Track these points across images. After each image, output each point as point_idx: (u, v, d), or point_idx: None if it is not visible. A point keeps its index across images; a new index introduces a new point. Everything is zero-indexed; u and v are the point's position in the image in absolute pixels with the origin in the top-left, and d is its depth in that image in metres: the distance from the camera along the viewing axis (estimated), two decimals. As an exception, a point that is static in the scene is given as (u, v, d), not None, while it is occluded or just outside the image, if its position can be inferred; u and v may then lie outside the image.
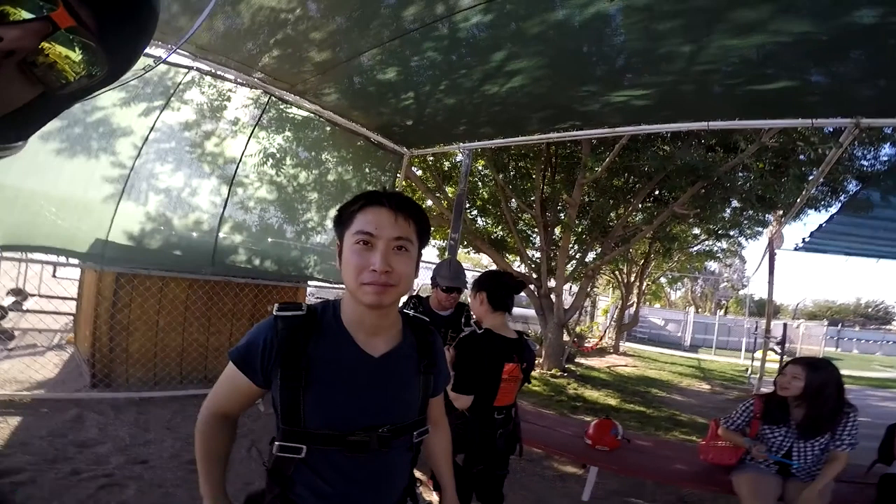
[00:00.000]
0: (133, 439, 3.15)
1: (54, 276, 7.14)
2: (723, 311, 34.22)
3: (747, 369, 11.01)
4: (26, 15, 0.40)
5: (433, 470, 1.32)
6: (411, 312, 1.14)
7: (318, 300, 1.41)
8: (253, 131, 4.41)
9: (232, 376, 1.00)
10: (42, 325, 5.37)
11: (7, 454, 2.71)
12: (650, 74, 2.67)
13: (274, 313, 0.97)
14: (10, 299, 6.34)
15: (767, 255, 7.49)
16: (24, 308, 6.34)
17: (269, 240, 4.94)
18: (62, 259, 4.12)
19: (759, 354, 8.58)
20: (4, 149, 0.50)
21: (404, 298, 2.98)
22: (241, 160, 4.45)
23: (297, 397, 0.93)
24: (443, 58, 2.89)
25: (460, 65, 2.94)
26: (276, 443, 0.96)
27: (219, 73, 3.71)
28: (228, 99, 4.28)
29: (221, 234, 4.49)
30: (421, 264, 1.04)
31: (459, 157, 7.52)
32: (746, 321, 19.06)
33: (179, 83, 3.88)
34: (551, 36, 2.45)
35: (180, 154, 4.19)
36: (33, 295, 6.71)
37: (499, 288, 2.03)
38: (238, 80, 3.79)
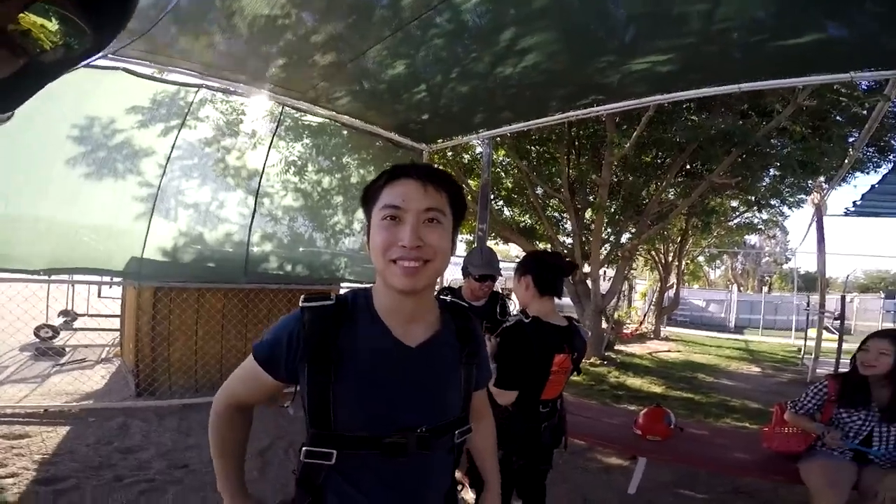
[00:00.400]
0: (175, 444, 3.24)
1: (99, 296, 7.52)
2: (767, 287, 32.71)
3: (799, 350, 10.41)
4: None
5: (477, 464, 1.22)
6: (448, 298, 1.05)
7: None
8: (272, 142, 4.48)
9: (253, 368, 0.93)
10: (90, 342, 5.66)
11: (55, 462, 2.83)
12: (668, 38, 2.51)
13: (301, 304, 0.90)
14: (61, 319, 6.78)
15: (815, 223, 7.09)
16: (74, 327, 6.71)
17: (300, 247, 5.02)
18: (104, 279, 4.31)
19: (812, 333, 8.07)
20: None
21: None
22: (263, 171, 4.53)
23: (327, 394, 0.85)
24: (449, 45, 2.81)
25: (469, 50, 2.85)
26: (304, 448, 0.88)
27: (230, 88, 3.75)
28: (243, 113, 4.38)
29: (252, 244, 4.59)
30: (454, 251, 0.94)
31: (479, 150, 7.44)
32: (795, 297, 18.09)
33: (192, 102, 3.97)
34: (554, 8, 2.34)
35: (204, 170, 4.31)
36: (82, 315, 7.12)
37: (546, 270, 1.85)
38: (249, 93, 3.83)
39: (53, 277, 3.68)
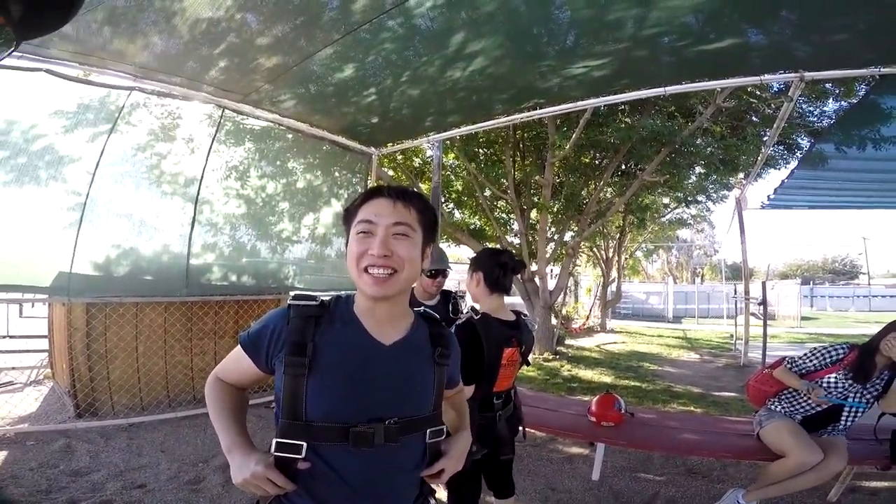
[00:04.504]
0: (127, 464, 3.05)
1: (21, 316, 6.88)
2: (700, 278, 35.10)
3: (731, 335, 11.23)
4: None
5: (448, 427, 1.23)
6: (422, 308, 1.13)
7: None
8: (211, 146, 4.29)
9: (238, 357, 1.02)
10: (16, 364, 5.16)
11: (-2, 487, 2.61)
12: (603, 43, 2.68)
13: (288, 302, 0.98)
14: (-23, 343, 6.10)
15: (736, 217, 7.72)
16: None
17: (244, 257, 4.82)
18: (26, 296, 3.96)
19: (741, 320, 8.72)
20: None
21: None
22: (202, 178, 4.32)
23: (301, 385, 0.90)
24: (400, 49, 2.84)
25: (419, 54, 2.89)
26: (274, 440, 0.90)
27: (164, 91, 3.55)
28: (180, 117, 4.16)
29: (192, 254, 4.36)
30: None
31: (430, 153, 7.50)
32: (723, 287, 19.46)
33: (123, 106, 3.73)
34: (501, 15, 2.44)
35: (137, 178, 4.06)
36: (2, 337, 6.48)
37: (496, 267, 1.92)
38: (186, 96, 3.65)
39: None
